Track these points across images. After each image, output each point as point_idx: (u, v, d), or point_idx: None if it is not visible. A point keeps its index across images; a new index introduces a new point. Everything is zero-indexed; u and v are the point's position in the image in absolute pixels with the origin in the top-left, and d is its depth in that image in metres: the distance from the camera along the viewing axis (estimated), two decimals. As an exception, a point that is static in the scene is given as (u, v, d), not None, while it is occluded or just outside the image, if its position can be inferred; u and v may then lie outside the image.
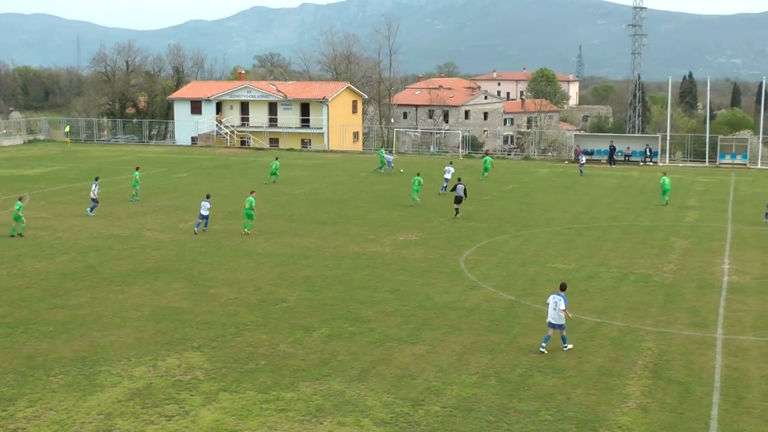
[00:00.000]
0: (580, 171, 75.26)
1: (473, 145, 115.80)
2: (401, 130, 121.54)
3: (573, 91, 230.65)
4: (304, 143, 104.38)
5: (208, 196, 46.55)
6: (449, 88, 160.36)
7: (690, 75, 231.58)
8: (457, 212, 51.10)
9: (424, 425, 20.43)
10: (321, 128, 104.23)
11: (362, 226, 47.35)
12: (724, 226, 49.43)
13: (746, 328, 28.82)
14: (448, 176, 62.60)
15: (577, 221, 50.32)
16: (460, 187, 51.68)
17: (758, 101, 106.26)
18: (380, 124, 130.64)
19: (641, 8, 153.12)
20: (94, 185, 51.00)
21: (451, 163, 68.24)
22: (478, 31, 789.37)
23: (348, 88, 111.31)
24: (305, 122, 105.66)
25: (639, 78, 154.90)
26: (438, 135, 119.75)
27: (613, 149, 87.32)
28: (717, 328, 28.74)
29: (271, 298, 31.80)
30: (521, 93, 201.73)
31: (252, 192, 47.08)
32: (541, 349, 25.96)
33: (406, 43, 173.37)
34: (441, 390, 22.68)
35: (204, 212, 45.39)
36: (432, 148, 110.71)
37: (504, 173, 75.36)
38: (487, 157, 76.68)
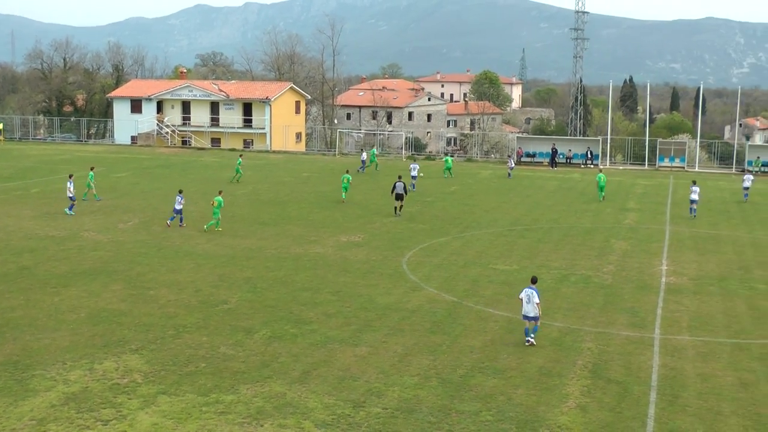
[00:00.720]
0: (509, 174, 75.71)
1: (416, 146, 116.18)
2: (344, 131, 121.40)
3: (516, 93, 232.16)
4: (247, 143, 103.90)
5: (180, 191, 47.47)
6: (393, 90, 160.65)
7: (630, 79, 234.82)
8: (396, 210, 51.79)
9: (365, 427, 20.45)
10: (263, 128, 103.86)
11: (304, 228, 47.25)
12: (662, 228, 50.12)
13: (683, 328, 29.27)
14: (414, 173, 64.86)
15: (518, 223, 50.69)
16: (399, 185, 52.23)
17: (696, 105, 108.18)
18: (323, 124, 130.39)
19: (583, 13, 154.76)
20: (69, 183, 50.28)
21: (415, 160, 69.53)
22: (421, 32, 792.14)
23: (291, 88, 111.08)
24: (247, 122, 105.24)
25: (581, 81, 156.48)
26: (381, 136, 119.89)
27: (554, 152, 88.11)
28: (655, 329, 29.14)
29: (211, 300, 31.59)
30: (464, 95, 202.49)
31: (220, 192, 47.79)
32: (530, 340, 26.90)
33: (349, 43, 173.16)
34: (382, 391, 22.71)
35: (178, 206, 46.21)
36: (376, 149, 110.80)
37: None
38: (448, 157, 78.12)
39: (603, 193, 61.28)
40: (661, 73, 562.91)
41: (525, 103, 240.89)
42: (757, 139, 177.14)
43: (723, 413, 21.73)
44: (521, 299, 27.12)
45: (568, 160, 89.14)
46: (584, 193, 64.61)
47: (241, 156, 70.91)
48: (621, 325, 29.46)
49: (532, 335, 27.07)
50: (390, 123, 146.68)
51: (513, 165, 77.99)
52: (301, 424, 20.48)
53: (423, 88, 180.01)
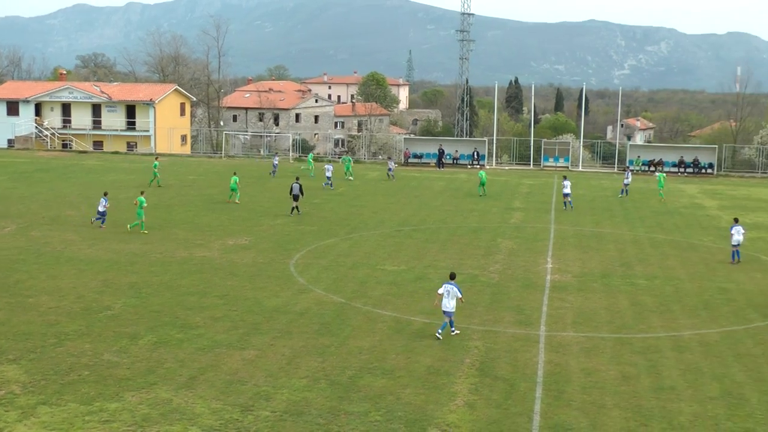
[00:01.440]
0: (388, 175, 76.01)
1: (304, 148, 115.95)
2: (231, 133, 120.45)
3: (403, 95, 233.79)
4: (130, 146, 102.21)
5: (105, 194, 48.23)
6: (280, 91, 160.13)
7: (516, 80, 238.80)
8: (293, 210, 52.68)
9: (253, 430, 20.33)
10: (148, 131, 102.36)
11: (190, 231, 46.73)
12: (547, 227, 51.09)
13: (567, 325, 29.90)
14: (329, 174, 67.22)
15: (406, 224, 51.05)
16: (296, 185, 53.08)
17: (579, 106, 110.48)
18: (209, 127, 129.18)
19: (469, 14, 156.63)
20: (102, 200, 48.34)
21: (330, 161, 70.53)
22: (308, 34, 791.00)
23: (176, 90, 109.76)
24: (131, 125, 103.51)
25: (467, 83, 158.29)
26: (268, 138, 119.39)
27: (441, 152, 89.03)
28: (540, 326, 29.69)
29: (94, 306, 30.96)
30: (352, 96, 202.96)
31: (142, 192, 48.42)
32: (438, 335, 27.76)
33: (235, 45, 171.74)
34: (271, 395, 22.61)
35: (101, 208, 46.74)
36: (262, 151, 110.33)
37: (334, 177, 75.63)
38: (347, 157, 78.57)
39: (484, 189, 63.90)
40: (545, 75, 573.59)
41: (412, 104, 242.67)
42: (638, 139, 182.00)
43: (606, 406, 22.26)
44: (440, 294, 27.84)
45: (455, 161, 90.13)
46: (471, 194, 65.41)
47: (157, 159, 70.09)
48: (507, 323, 29.94)
49: (440, 331, 27.88)
50: (277, 125, 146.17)
51: (392, 167, 77.98)
52: (187, 429, 20.24)
53: (310, 90, 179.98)
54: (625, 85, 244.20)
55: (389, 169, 76.76)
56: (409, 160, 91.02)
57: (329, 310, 31.16)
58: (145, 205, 46.39)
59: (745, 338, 28.80)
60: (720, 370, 25.39)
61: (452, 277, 28.53)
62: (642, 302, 33.42)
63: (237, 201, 57.15)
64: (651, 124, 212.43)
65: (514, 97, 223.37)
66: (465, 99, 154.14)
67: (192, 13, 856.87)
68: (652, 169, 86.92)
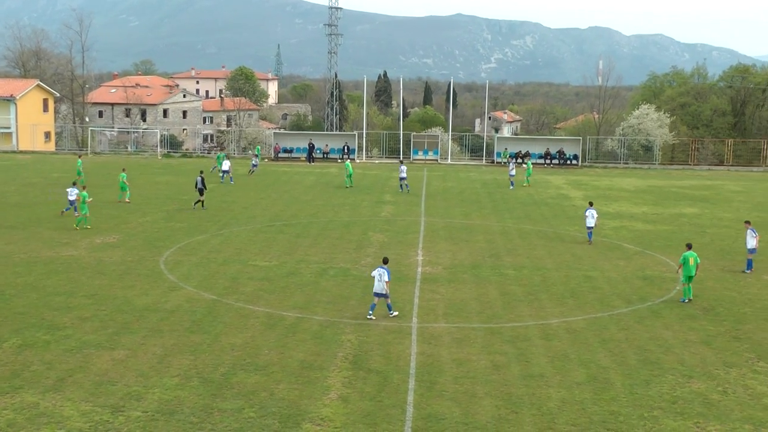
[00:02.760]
0: (250, 170, 75.88)
1: (172, 144, 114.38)
2: (97, 129, 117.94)
3: (272, 89, 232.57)
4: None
5: (74, 183, 51.04)
6: (146, 87, 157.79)
7: (385, 74, 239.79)
8: (196, 203, 53.76)
9: (124, 431, 20.03)
10: (9, 128, 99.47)
11: (56, 230, 45.57)
12: (417, 220, 51.62)
13: (438, 316, 30.27)
14: (226, 168, 68.51)
15: (277, 219, 50.90)
16: (199, 179, 53.89)
17: (448, 100, 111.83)
18: (74, 123, 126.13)
19: (337, 8, 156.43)
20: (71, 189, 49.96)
21: (227, 156, 72.02)
22: (175, 28, 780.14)
23: (38, 85, 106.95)
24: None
25: (336, 77, 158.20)
26: (136, 134, 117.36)
27: (312, 147, 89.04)
28: (412, 318, 29.97)
29: (-45, 309, 29.99)
30: (220, 91, 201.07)
31: (84, 187, 48.36)
32: (369, 317, 29.39)
33: (100, 39, 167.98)
34: (142, 394, 22.27)
35: (71, 198, 48.80)
36: (129, 147, 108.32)
37: (204, 172, 74.85)
38: (221, 154, 77.73)
39: (351, 180, 65.81)
40: (414, 68, 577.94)
41: (281, 98, 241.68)
42: (505, 132, 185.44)
43: (477, 395, 22.64)
44: (373, 277, 29.42)
45: (326, 155, 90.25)
46: (342, 188, 65.60)
47: (80, 157, 68.27)
48: (379, 316, 30.11)
49: (371, 312, 29.59)
50: (144, 120, 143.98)
51: (256, 162, 77.46)
52: (56, 433, 19.83)
53: (178, 85, 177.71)
54: (492, 79, 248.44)
55: (253, 164, 76.84)
56: (279, 155, 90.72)
57: (201, 307, 30.84)
58: (89, 200, 46.62)
59: (610, 324, 29.68)
60: (586, 356, 26.11)
61: (385, 261, 30.05)
62: (511, 292, 34.10)
63: (127, 200, 55.63)
64: (518, 117, 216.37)
65: (383, 90, 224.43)
66: (334, 93, 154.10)
67: (54, 7, 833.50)
68: (520, 160, 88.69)
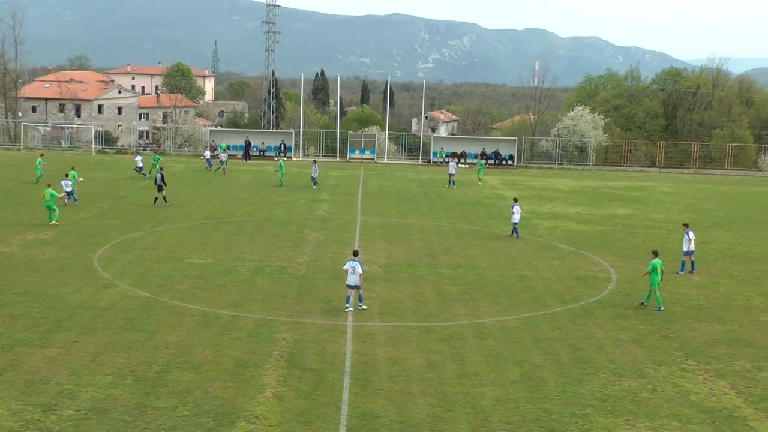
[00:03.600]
0: (216, 168, 75.72)
1: (107, 140, 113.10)
2: (29, 124, 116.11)
3: (209, 86, 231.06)
4: None
5: (67, 175, 52.96)
6: (81, 82, 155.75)
7: (322, 72, 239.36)
8: (156, 200, 53.80)
9: (57, 430, 19.77)
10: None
11: (-14, 226, 44.90)
12: (354, 218, 51.67)
13: (374, 315, 30.32)
14: (140, 165, 69.71)
15: (213, 216, 50.62)
16: (158, 176, 54.13)
17: (385, 99, 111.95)
18: (6, 118, 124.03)
19: (275, 6, 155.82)
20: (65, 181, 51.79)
21: (157, 154, 71.92)
22: (111, 23, 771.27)
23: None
24: None
25: (273, 74, 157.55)
26: (70, 130, 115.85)
27: (248, 144, 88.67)
28: (348, 316, 29.97)
29: None
30: (156, 87, 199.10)
31: (49, 184, 47.53)
32: (347, 309, 30.44)
33: (33, 33, 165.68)
34: (75, 393, 22.01)
35: (68, 189, 51.54)
36: (63, 143, 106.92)
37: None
38: (157, 156, 76.94)
39: (282, 179, 66.26)
40: (351, 67, 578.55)
41: (218, 95, 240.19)
42: (442, 131, 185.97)
43: (412, 393, 22.73)
44: (346, 270, 30.39)
45: (261, 153, 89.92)
46: (278, 186, 65.47)
47: (41, 156, 66.92)
48: (315, 314, 30.12)
49: (348, 304, 30.60)
50: (79, 116, 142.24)
51: (224, 158, 77.26)
52: (-14, 432, 19.55)
53: (113, 81, 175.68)
54: (430, 78, 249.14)
55: (212, 160, 76.97)
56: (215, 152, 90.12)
57: (135, 305, 30.56)
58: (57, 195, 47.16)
59: (543, 323, 29.99)
60: (520, 354, 26.35)
61: (355, 254, 31.09)
62: (446, 291, 34.29)
63: (75, 203, 53.84)
64: (454, 117, 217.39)
65: (320, 89, 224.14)
66: (271, 91, 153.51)
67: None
68: (456, 161, 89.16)
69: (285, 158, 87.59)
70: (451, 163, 70.85)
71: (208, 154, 79.47)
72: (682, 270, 39.14)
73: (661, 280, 32.89)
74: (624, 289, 35.81)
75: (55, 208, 46.14)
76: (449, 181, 68.70)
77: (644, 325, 30.30)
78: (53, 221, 45.62)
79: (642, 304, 33.02)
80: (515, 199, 48.85)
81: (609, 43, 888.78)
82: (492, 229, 49.58)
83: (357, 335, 27.72)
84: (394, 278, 36.14)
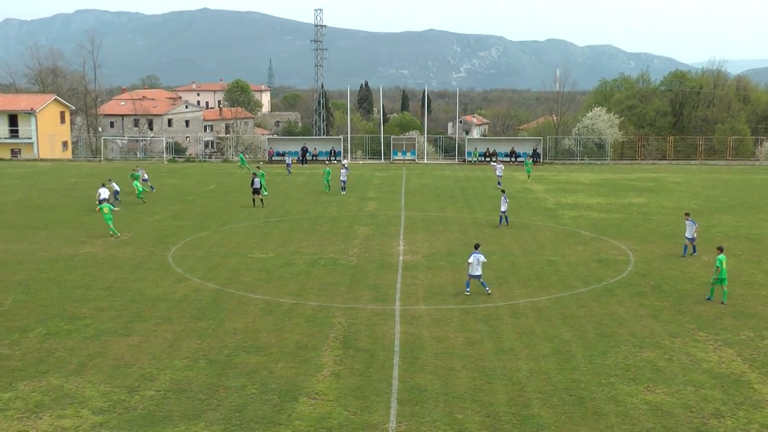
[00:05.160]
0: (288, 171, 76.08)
1: (176, 150, 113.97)
2: (109, 138, 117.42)
3: (265, 99, 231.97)
4: (14, 153, 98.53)
5: (103, 184, 52.58)
6: (152, 99, 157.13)
7: (366, 84, 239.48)
8: (254, 202, 54.18)
9: (140, 409, 19.94)
10: (30, 138, 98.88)
11: (74, 230, 45.35)
12: (398, 214, 51.58)
13: (419, 299, 30.27)
14: (344, 178, 62.53)
15: (272, 215, 50.77)
16: (256, 180, 54.13)
17: (423, 106, 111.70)
18: (88, 133, 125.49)
19: (322, 26, 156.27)
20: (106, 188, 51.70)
21: (498, 161, 71.98)
22: (177, 46, 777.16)
23: (55, 99, 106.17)
24: (14, 132, 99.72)
25: (322, 87, 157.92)
26: (144, 142, 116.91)
27: (305, 150, 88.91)
28: (395, 301, 29.97)
29: (-14, 303, 29.79)
30: (219, 102, 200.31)
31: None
32: (467, 292, 30.76)
33: (109, 57, 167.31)
34: (155, 375, 22.21)
35: (104, 195, 50.29)
36: (138, 154, 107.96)
37: (206, 175, 74.73)
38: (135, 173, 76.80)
39: (328, 185, 62.48)
40: (392, 78, 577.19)
41: (274, 107, 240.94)
42: (475, 134, 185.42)
43: (455, 368, 22.67)
44: (470, 263, 30.65)
45: (314, 157, 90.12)
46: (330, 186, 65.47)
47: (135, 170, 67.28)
48: (366, 300, 30.12)
49: (468, 289, 30.89)
50: (151, 129, 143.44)
51: (290, 161, 78.21)
52: (79, 413, 19.72)
53: (180, 97, 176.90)
54: (462, 87, 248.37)
55: (288, 165, 77.48)
56: (273, 158, 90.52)
57: (205, 296, 30.76)
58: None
59: (570, 303, 29.78)
60: (550, 331, 26.19)
61: (477, 246, 31.35)
62: (483, 276, 34.07)
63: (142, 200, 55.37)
64: (485, 120, 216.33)
65: (365, 99, 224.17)
66: (321, 102, 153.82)
67: (68, 29, 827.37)
68: (488, 159, 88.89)
69: (337, 161, 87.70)
70: (498, 166, 68.30)
71: (289, 159, 79.84)
72: (684, 253, 38.33)
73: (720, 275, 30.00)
74: (641, 270, 35.44)
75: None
76: (499, 182, 65.84)
77: (660, 302, 30.00)
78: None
79: (707, 299, 30.53)
80: (503, 191, 48.82)
81: (621, 50, 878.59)
82: (522, 220, 49.25)
83: (404, 318, 27.68)
84: (436, 266, 36.04)
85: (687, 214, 39.65)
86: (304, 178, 72.40)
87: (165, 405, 20.20)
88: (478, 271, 30.59)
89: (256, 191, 54.24)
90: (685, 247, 38.67)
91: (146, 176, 63.43)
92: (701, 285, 32.61)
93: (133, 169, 63.79)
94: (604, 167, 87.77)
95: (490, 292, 30.81)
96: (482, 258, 30.73)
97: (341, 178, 62.34)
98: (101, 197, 50.18)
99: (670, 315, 28.33)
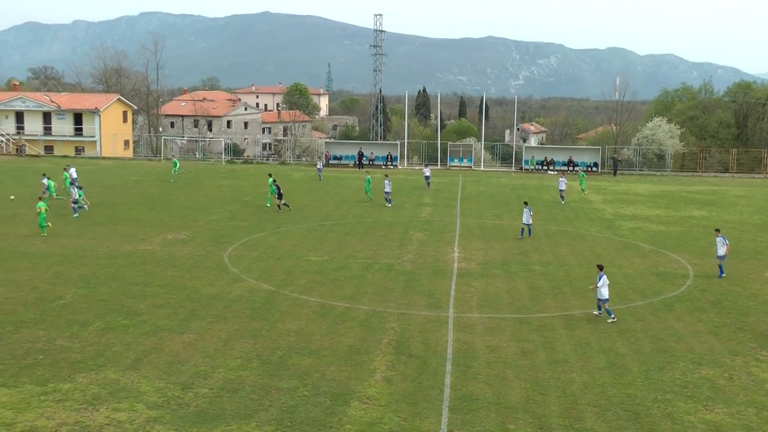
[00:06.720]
0: (319, 176, 75.85)
1: (235, 151, 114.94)
2: (169, 138, 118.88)
3: (323, 103, 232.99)
4: (78, 150, 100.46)
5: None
6: (212, 100, 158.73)
7: (424, 90, 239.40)
8: (279, 207, 53.20)
9: (193, 406, 20.12)
10: (94, 137, 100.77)
11: (134, 227, 45.97)
12: (453, 220, 51.41)
13: (473, 307, 30.11)
14: (388, 189, 57.96)
15: (328, 218, 50.93)
16: (275, 187, 53.61)
17: (480, 113, 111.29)
18: (149, 132, 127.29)
19: (381, 31, 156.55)
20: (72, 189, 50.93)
21: (563, 174, 69.56)
22: (238, 49, 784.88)
23: (119, 99, 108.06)
24: (78, 131, 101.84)
25: (380, 92, 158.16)
26: (203, 142, 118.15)
27: (361, 155, 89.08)
28: (449, 308, 29.85)
29: (48, 296, 30.31)
30: (277, 105, 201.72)
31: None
32: (610, 319, 28.48)
33: (172, 59, 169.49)
34: (208, 373, 22.39)
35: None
36: (197, 155, 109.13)
37: (263, 176, 75.03)
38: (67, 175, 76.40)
39: (370, 194, 59.60)
40: (450, 85, 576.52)
41: (332, 111, 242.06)
42: (532, 142, 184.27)
43: (508, 378, 22.50)
44: (598, 287, 28.54)
45: (371, 162, 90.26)
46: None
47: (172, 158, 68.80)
48: (420, 306, 30.05)
49: (599, 312, 29.00)
50: (210, 130, 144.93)
51: (320, 166, 77.86)
52: (134, 406, 19.97)
53: (239, 99, 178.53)
54: (520, 94, 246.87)
55: (318, 170, 76.72)
56: (330, 162, 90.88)
57: (260, 297, 30.94)
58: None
59: (627, 316, 29.36)
60: (606, 344, 25.86)
61: (601, 268, 29.10)
62: (538, 286, 33.86)
63: (268, 204, 55.08)
64: (543, 128, 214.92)
65: (422, 104, 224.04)
66: (379, 107, 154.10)
67: (132, 30, 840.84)
68: (545, 168, 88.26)
69: (392, 166, 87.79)
70: (561, 180, 65.29)
71: (320, 164, 79.98)
72: (721, 274, 36.27)
73: None
74: (701, 285, 34.85)
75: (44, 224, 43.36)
76: (563, 197, 62.21)
77: (720, 318, 29.45)
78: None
79: None
80: (525, 203, 46.95)
81: (684, 60, 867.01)
82: (579, 230, 48.78)
83: (457, 325, 27.55)
84: (491, 274, 35.83)
85: (717, 230, 37.93)
86: (360, 182, 72.44)
87: (218, 403, 20.34)
88: (605, 296, 28.64)
89: (280, 196, 53.67)
90: (721, 266, 36.50)
91: (75, 175, 62.37)
92: (764, 302, 31.98)
93: (65, 168, 63.72)
94: (664, 179, 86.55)
95: (599, 314, 29.11)
96: (605, 280, 28.68)
97: (385, 189, 57.69)
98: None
99: (730, 332, 27.78)
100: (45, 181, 56.34)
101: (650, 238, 46.34)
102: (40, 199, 45.70)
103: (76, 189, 50.84)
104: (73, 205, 49.66)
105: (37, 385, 21.30)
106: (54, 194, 54.91)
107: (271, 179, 55.62)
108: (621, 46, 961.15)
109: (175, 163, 75.88)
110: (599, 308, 29.00)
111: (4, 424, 18.94)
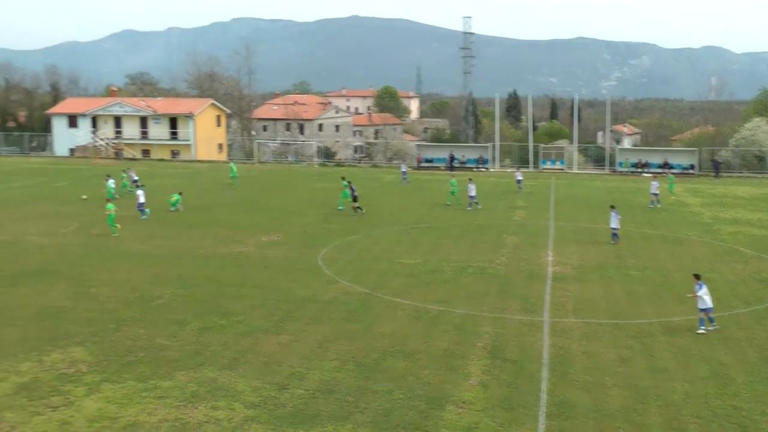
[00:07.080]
0: (403, 180, 75.20)
1: (327, 154, 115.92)
2: (262, 141, 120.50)
3: (414, 106, 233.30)
4: (174, 154, 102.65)
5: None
6: (304, 104, 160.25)
7: (514, 92, 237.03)
8: (356, 209, 52.95)
9: (290, 406, 20.29)
10: (188, 140, 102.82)
11: (228, 229, 46.68)
12: (547, 224, 50.82)
13: (568, 312, 29.69)
14: (472, 193, 56.89)
15: (421, 221, 50.88)
16: (350, 190, 53.65)
17: (572, 114, 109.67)
18: (242, 136, 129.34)
19: (470, 33, 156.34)
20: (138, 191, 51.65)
21: (655, 177, 66.92)
22: (328, 53, 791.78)
23: (212, 104, 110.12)
24: (174, 135, 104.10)
25: (470, 94, 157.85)
26: (295, 146, 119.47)
27: (452, 157, 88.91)
28: (544, 313, 29.50)
29: (147, 296, 31.03)
30: (368, 108, 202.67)
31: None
32: (707, 329, 27.17)
33: (263, 63, 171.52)
34: (304, 375, 22.55)
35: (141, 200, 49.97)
36: (290, 158, 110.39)
37: (354, 179, 75.33)
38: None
39: (453, 197, 58.63)
40: (540, 86, 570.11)
41: (422, 114, 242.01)
42: (625, 144, 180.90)
43: (606, 385, 22.09)
44: (699, 296, 27.27)
45: (462, 165, 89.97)
46: (477, 194, 65.00)
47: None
48: (514, 310, 29.76)
49: (703, 327, 27.28)
50: (302, 133, 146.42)
51: (405, 170, 77.11)
52: (231, 405, 20.24)
53: (330, 102, 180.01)
54: (613, 95, 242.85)
55: (403, 173, 76.30)
56: (421, 164, 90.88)
57: (354, 299, 31.06)
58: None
59: (730, 323, 28.51)
60: (708, 352, 25.16)
61: (698, 277, 28.07)
62: (635, 291, 33.19)
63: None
64: (637, 130, 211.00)
65: (513, 107, 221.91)
66: (469, 109, 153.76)
67: (224, 36, 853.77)
68: (639, 170, 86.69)
69: (483, 169, 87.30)
70: (653, 183, 63.42)
71: (404, 167, 78.98)
72: None
73: None
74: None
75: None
76: (653, 201, 60.09)
77: (830, 327, 28.35)
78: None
79: None
80: (612, 207, 45.83)
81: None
82: (676, 234, 47.65)
83: (553, 330, 27.19)
84: (586, 278, 35.28)
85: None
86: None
87: (313, 404, 20.46)
88: (708, 304, 27.33)
89: (355, 199, 53.26)
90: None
91: (135, 177, 63.92)
92: None
93: (124, 171, 64.60)
94: (765, 181, 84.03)
95: (714, 327, 27.62)
96: (697, 289, 27.51)
97: (469, 194, 56.60)
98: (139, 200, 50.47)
99: (838, 340, 26.72)
100: (110, 182, 57.52)
101: (752, 243, 44.96)
102: (107, 201, 46.89)
103: (140, 191, 51.39)
104: (140, 209, 50.30)
105: (139, 381, 21.79)
106: (113, 195, 55.55)
107: (345, 182, 55.80)
108: (716, 45, 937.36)
109: (232, 168, 73.21)
110: (702, 323, 27.40)
111: (108, 418, 19.46)
